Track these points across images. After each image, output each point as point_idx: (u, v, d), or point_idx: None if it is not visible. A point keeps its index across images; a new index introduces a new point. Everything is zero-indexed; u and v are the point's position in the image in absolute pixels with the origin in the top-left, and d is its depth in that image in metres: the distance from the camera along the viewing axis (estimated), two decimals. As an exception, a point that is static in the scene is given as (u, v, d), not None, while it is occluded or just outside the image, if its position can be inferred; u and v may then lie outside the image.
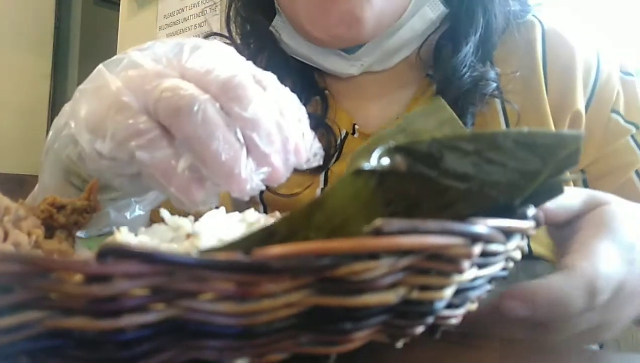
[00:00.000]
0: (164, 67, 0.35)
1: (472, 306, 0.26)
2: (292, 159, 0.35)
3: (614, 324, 0.35)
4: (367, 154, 0.43)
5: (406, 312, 0.21)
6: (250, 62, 0.38)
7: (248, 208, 0.36)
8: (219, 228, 0.32)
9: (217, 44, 0.38)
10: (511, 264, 0.28)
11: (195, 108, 0.32)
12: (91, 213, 0.36)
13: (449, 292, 0.22)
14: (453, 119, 0.41)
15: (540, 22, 0.61)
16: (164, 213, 0.34)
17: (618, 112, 0.57)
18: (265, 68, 0.65)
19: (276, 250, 0.17)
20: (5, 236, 0.30)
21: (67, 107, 0.40)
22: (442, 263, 0.21)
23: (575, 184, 0.56)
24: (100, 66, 0.37)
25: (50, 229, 0.35)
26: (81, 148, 0.36)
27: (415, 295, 0.21)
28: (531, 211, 0.26)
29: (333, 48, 0.59)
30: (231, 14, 0.68)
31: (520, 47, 0.59)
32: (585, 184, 0.57)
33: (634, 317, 0.37)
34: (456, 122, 0.41)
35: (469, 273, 0.22)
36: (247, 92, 0.33)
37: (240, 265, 0.17)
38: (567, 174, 0.28)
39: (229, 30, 0.68)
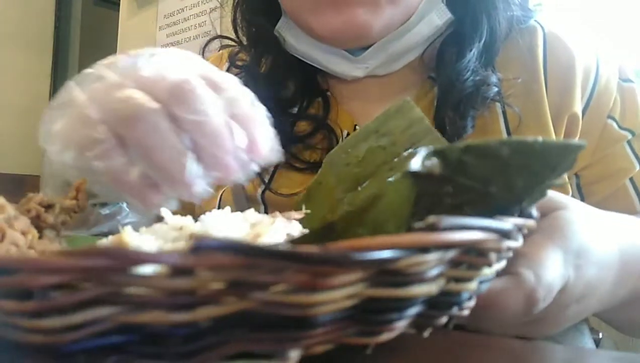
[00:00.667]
0: (120, 78, 0.36)
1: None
2: (247, 157, 0.36)
3: (552, 325, 0.37)
4: (343, 153, 0.44)
5: (439, 303, 0.23)
6: (209, 65, 0.39)
7: (249, 207, 0.37)
8: (222, 228, 0.32)
9: (175, 51, 0.39)
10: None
11: (143, 117, 0.33)
12: (79, 213, 0.35)
13: (475, 284, 0.24)
14: (421, 119, 0.44)
15: (541, 26, 0.61)
16: (165, 212, 0.33)
17: (614, 118, 0.58)
18: (269, 70, 0.66)
19: (347, 244, 0.18)
20: (2, 236, 0.28)
21: None
22: (476, 256, 0.22)
23: (565, 189, 0.57)
24: (70, 82, 0.38)
25: (37, 229, 0.33)
26: (50, 159, 0.37)
27: (451, 286, 0.23)
28: (534, 211, 0.28)
29: (339, 48, 0.59)
30: (237, 17, 0.68)
31: (522, 52, 0.60)
32: (579, 189, 0.58)
33: (576, 319, 0.40)
34: (423, 122, 0.43)
35: (494, 266, 0.24)
36: (195, 96, 0.34)
37: (318, 257, 0.18)
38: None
39: (236, 33, 0.69)
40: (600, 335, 0.62)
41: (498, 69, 0.58)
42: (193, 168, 0.34)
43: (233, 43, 0.71)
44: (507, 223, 0.23)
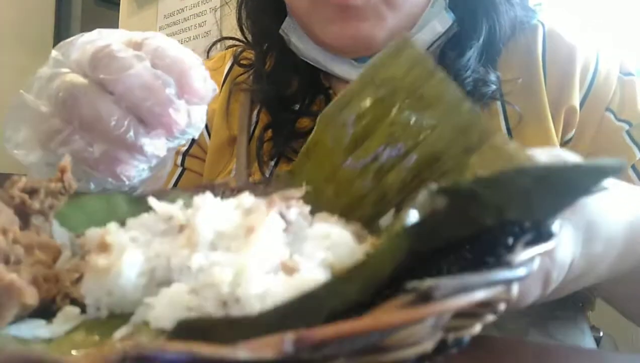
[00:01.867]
0: (54, 67, 0.38)
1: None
2: (182, 101, 0.36)
3: (548, 297, 0.36)
4: (338, 111, 0.41)
5: (438, 349, 0.19)
6: (136, 33, 0.40)
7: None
8: (214, 218, 0.29)
9: (97, 30, 0.40)
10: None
11: (76, 96, 0.35)
12: (66, 195, 0.33)
13: (479, 327, 0.20)
14: (423, 59, 0.39)
15: (542, 24, 0.63)
16: (152, 201, 0.31)
17: (612, 111, 0.58)
18: (274, 67, 0.68)
19: (328, 331, 0.15)
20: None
21: None
22: (482, 308, 0.19)
23: None
24: (21, 91, 0.40)
25: (23, 216, 0.32)
26: (24, 164, 0.39)
27: (451, 337, 0.19)
28: (557, 226, 0.24)
29: (344, 56, 0.61)
30: (242, 15, 0.70)
31: (522, 50, 0.61)
32: None
33: (571, 291, 0.39)
34: (427, 62, 0.38)
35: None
36: (112, 56, 0.35)
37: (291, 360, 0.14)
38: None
39: (242, 31, 0.70)
40: (601, 334, 0.62)
41: (500, 68, 0.60)
42: (137, 129, 0.35)
43: (237, 44, 0.73)
44: (516, 268, 0.19)
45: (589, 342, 0.55)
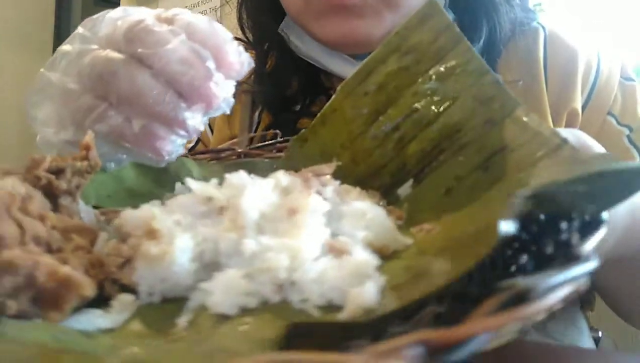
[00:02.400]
0: (81, 44, 0.37)
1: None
2: (220, 74, 0.36)
3: None
4: (360, 80, 0.41)
5: None
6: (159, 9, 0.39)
7: None
8: (257, 200, 0.29)
9: (122, 7, 0.39)
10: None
11: (114, 71, 0.34)
12: (92, 173, 0.32)
13: None
14: (449, 25, 0.39)
15: (542, 27, 0.62)
16: (191, 182, 0.31)
17: (613, 115, 0.58)
18: (274, 67, 0.68)
19: (458, 333, 0.15)
20: (22, 231, 0.25)
21: None
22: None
23: None
24: (41, 70, 0.39)
25: (51, 198, 0.31)
26: (50, 142, 0.38)
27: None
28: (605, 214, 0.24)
29: (342, 52, 0.61)
30: (242, 15, 0.69)
31: (523, 53, 0.60)
32: None
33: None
34: (452, 29, 0.39)
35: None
36: (148, 31, 0.34)
37: None
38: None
39: (242, 30, 0.69)
40: (600, 334, 0.63)
41: (500, 70, 0.59)
42: (178, 103, 0.35)
43: (240, 42, 0.71)
44: (589, 261, 0.19)
45: (587, 342, 0.57)
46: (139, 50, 0.34)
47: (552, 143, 0.32)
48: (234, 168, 0.44)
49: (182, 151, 0.39)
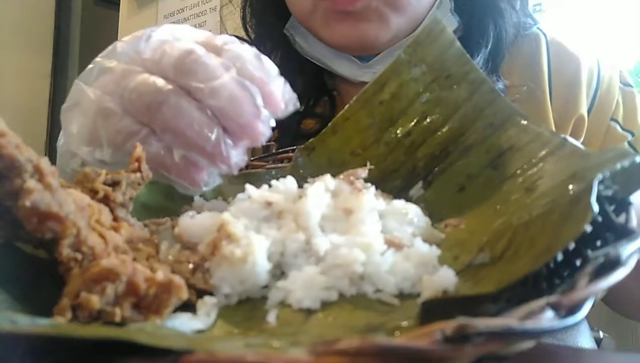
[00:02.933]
0: (126, 65, 0.36)
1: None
2: (266, 111, 0.35)
3: None
4: (377, 90, 0.43)
5: None
6: (204, 31, 0.38)
7: None
8: (315, 202, 0.31)
9: (168, 27, 0.38)
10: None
11: (163, 101, 0.33)
12: (143, 185, 0.32)
13: None
14: (452, 42, 0.43)
15: (543, 34, 0.63)
16: (250, 189, 0.32)
17: (616, 121, 0.60)
18: (278, 67, 0.67)
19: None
20: (105, 241, 0.26)
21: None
22: None
23: None
24: (76, 80, 0.38)
25: (109, 210, 0.31)
26: (83, 159, 0.37)
27: None
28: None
29: (347, 54, 0.61)
30: (246, 14, 0.68)
31: (525, 59, 0.61)
32: None
33: None
34: (455, 45, 0.43)
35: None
36: (199, 63, 0.34)
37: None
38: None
39: (246, 30, 0.69)
40: (601, 335, 0.63)
41: (504, 74, 0.59)
42: (224, 139, 0.34)
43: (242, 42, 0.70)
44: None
45: (589, 343, 0.57)
46: (192, 83, 0.33)
47: (554, 141, 0.36)
48: (240, 179, 0.46)
49: (218, 181, 0.38)
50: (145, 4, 2.31)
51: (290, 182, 0.34)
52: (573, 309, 0.19)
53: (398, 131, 0.44)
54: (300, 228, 0.30)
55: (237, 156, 0.35)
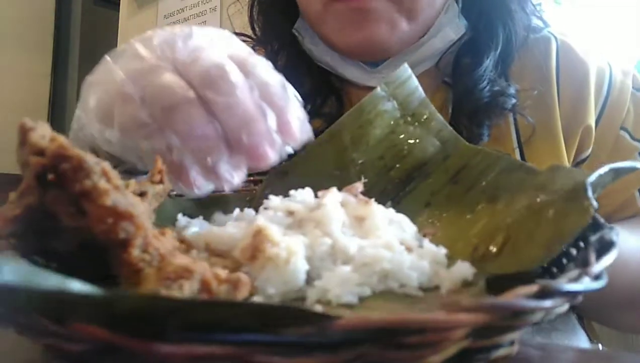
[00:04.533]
0: (158, 59, 0.36)
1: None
2: (278, 138, 0.35)
3: None
4: (357, 115, 0.48)
5: None
6: (243, 46, 0.39)
7: None
8: (335, 209, 0.34)
9: (210, 30, 0.39)
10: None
11: (179, 106, 0.34)
12: (164, 196, 0.33)
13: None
14: (416, 88, 0.49)
15: (554, 37, 0.61)
16: (273, 198, 0.34)
17: (626, 130, 0.58)
18: (285, 67, 0.64)
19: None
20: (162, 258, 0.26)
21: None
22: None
23: None
24: (106, 57, 0.38)
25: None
26: (92, 134, 0.38)
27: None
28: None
29: (356, 59, 0.60)
30: (254, 13, 0.65)
31: (536, 62, 0.59)
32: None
33: None
34: (418, 90, 0.48)
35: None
36: (225, 80, 0.34)
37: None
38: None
39: (253, 29, 0.66)
40: (600, 347, 0.62)
41: (513, 77, 0.59)
42: (223, 163, 0.35)
43: (247, 40, 0.68)
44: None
45: (582, 338, 0.56)
46: (210, 96, 0.33)
47: (493, 156, 0.44)
48: (210, 203, 0.47)
49: (212, 187, 0.37)
50: (145, 4, 2.22)
51: (307, 193, 0.36)
52: (598, 276, 0.24)
53: (373, 153, 0.48)
54: (325, 233, 0.32)
55: (235, 176, 0.36)
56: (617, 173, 0.31)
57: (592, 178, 0.29)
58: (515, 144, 0.57)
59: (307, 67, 0.63)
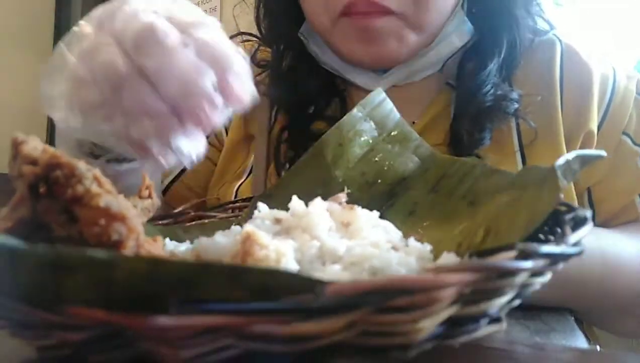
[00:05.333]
0: (99, 34, 0.35)
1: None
2: (220, 98, 0.33)
3: None
4: (337, 133, 0.49)
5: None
6: (191, 8, 0.36)
7: None
8: (322, 216, 0.35)
9: None
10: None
11: (118, 79, 0.33)
12: (152, 212, 0.33)
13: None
14: (391, 110, 0.51)
15: (559, 40, 0.61)
16: (263, 206, 0.34)
17: (628, 135, 0.57)
18: (290, 68, 0.65)
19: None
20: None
21: None
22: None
23: (580, 202, 0.58)
24: (60, 44, 0.37)
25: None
26: (57, 125, 0.38)
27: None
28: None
29: (363, 68, 0.60)
30: (260, 14, 0.65)
31: (539, 66, 0.59)
32: (591, 203, 0.59)
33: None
34: (393, 112, 0.51)
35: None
36: (156, 42, 0.32)
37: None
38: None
39: (259, 29, 0.66)
40: (598, 349, 0.59)
41: (518, 82, 0.59)
42: (174, 127, 0.33)
43: (252, 39, 0.69)
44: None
45: (581, 339, 0.55)
46: (145, 63, 0.32)
47: (469, 164, 0.46)
48: (197, 229, 0.47)
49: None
50: None
51: (295, 202, 0.37)
52: (575, 245, 0.25)
53: (354, 170, 0.50)
54: (312, 237, 0.33)
55: (191, 145, 0.34)
56: (583, 159, 0.33)
57: (560, 161, 0.30)
58: (517, 148, 0.57)
59: (311, 69, 0.63)
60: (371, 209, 0.48)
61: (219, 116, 0.33)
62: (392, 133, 0.51)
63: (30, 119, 2.64)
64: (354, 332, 0.19)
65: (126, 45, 0.33)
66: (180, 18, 0.34)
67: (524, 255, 0.21)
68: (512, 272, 0.21)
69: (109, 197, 0.24)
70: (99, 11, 0.36)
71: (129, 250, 0.24)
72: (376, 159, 0.50)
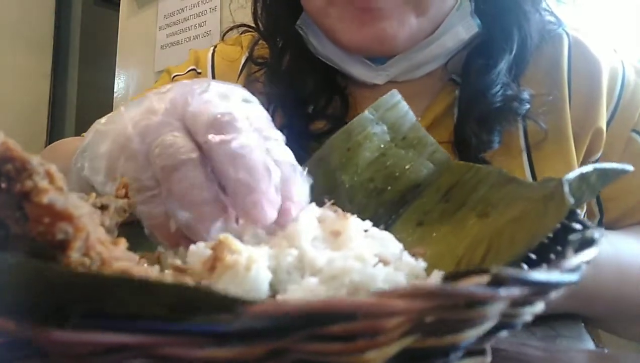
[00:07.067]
0: (168, 115, 0.33)
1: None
2: (279, 198, 0.32)
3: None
4: (345, 137, 0.46)
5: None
6: (261, 109, 0.36)
7: None
8: (307, 223, 0.32)
9: (228, 86, 0.36)
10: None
11: (179, 168, 0.31)
12: (129, 212, 0.32)
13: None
14: (407, 112, 0.47)
15: (567, 34, 0.59)
16: None
17: (638, 132, 0.55)
18: (289, 65, 0.62)
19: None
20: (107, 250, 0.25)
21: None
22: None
23: (588, 205, 0.56)
24: (122, 107, 0.36)
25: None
26: (92, 187, 0.35)
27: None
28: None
29: (362, 55, 0.58)
30: (257, 9, 0.64)
31: (547, 63, 0.57)
32: (599, 203, 0.56)
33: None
34: (408, 115, 0.47)
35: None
36: (232, 125, 0.31)
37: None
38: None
39: (257, 25, 0.65)
40: (606, 351, 0.57)
41: (527, 81, 0.56)
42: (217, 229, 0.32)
43: (253, 32, 0.68)
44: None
45: (589, 345, 0.53)
46: (211, 138, 0.31)
47: (484, 171, 0.42)
48: None
49: None
50: (145, 4, 2.25)
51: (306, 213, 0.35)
52: (574, 270, 0.21)
53: (362, 176, 0.47)
54: (292, 245, 0.31)
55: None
56: (602, 174, 0.29)
57: (572, 175, 0.26)
58: (523, 147, 0.54)
59: (311, 66, 0.60)
60: (380, 219, 0.46)
61: (273, 214, 0.32)
62: (406, 137, 0.48)
63: (31, 119, 2.80)
64: (283, 361, 0.17)
65: (197, 127, 0.32)
66: (255, 122, 0.34)
67: (498, 281, 0.18)
68: (481, 301, 0.18)
69: (55, 194, 0.22)
70: (172, 90, 0.35)
71: (75, 250, 0.23)
72: (387, 165, 0.47)
